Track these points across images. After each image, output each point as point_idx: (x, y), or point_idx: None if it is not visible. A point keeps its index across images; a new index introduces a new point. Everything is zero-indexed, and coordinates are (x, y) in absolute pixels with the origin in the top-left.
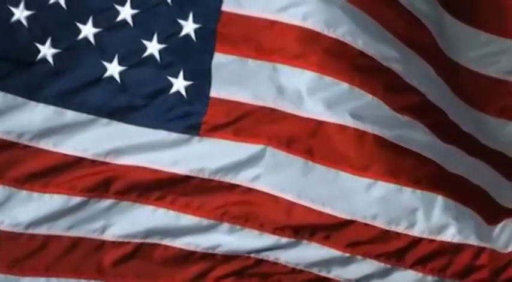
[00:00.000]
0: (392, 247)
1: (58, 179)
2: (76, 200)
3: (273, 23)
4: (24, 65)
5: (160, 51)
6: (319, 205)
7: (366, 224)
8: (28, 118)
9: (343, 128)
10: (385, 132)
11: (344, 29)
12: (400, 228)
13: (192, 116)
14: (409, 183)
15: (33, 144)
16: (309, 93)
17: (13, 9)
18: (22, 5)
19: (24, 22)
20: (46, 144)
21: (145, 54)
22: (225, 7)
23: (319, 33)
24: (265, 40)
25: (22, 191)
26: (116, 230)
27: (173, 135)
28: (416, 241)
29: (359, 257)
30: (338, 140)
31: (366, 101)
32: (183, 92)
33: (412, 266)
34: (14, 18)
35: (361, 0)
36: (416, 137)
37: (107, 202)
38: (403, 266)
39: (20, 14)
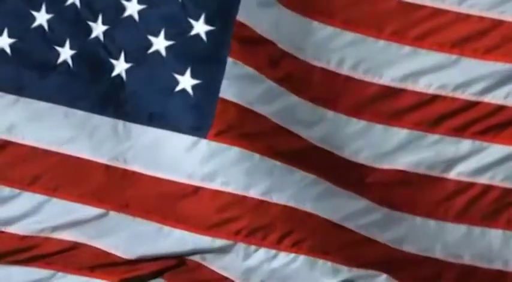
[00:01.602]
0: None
1: (81, 188)
2: (96, 211)
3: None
4: (48, 70)
5: (166, 48)
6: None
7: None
8: (57, 125)
9: None
10: None
11: None
12: None
13: (200, 117)
14: None
15: (63, 150)
16: None
17: (35, 14)
18: (43, 8)
19: (46, 26)
20: (76, 151)
21: (151, 50)
22: (240, 17)
23: None
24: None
25: (53, 198)
26: (131, 252)
27: (180, 137)
28: None
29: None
30: None
31: None
32: (190, 91)
33: None
34: (35, 23)
35: None
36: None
37: (128, 218)
38: None
39: (42, 18)
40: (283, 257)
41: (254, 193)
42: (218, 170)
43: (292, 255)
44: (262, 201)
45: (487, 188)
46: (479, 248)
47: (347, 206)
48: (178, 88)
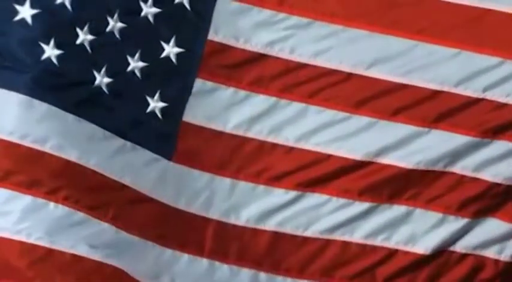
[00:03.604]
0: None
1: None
2: (79, 215)
3: (261, 55)
4: (29, 64)
5: (141, 69)
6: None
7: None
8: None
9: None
10: None
11: None
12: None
13: (165, 140)
14: None
15: (38, 147)
16: None
17: (18, 7)
18: (28, 3)
19: (29, 20)
20: (50, 148)
21: (128, 69)
22: (212, 36)
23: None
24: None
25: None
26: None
27: (151, 156)
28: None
29: None
30: None
31: None
32: (158, 113)
33: None
34: (18, 17)
35: None
36: None
37: (105, 226)
38: None
39: (25, 12)
40: None
41: None
42: (183, 189)
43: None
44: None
45: (492, 185)
46: None
47: None
48: (148, 109)
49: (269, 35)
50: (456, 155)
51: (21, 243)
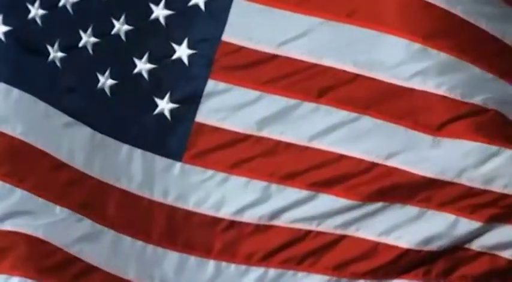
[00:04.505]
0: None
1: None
2: (81, 219)
3: (274, 56)
4: (37, 64)
5: (149, 71)
6: None
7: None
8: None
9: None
10: None
11: None
12: None
13: (175, 141)
14: None
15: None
16: None
17: (30, 7)
18: (37, 3)
19: (39, 21)
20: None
21: (135, 71)
22: (226, 37)
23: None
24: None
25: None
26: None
27: (156, 159)
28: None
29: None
30: None
31: None
32: (167, 115)
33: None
34: (30, 16)
35: None
36: None
37: (104, 229)
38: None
39: (36, 12)
40: None
41: None
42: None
43: None
44: None
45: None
46: None
47: None
48: (156, 111)
49: (282, 35)
50: (464, 166)
51: (40, 241)
